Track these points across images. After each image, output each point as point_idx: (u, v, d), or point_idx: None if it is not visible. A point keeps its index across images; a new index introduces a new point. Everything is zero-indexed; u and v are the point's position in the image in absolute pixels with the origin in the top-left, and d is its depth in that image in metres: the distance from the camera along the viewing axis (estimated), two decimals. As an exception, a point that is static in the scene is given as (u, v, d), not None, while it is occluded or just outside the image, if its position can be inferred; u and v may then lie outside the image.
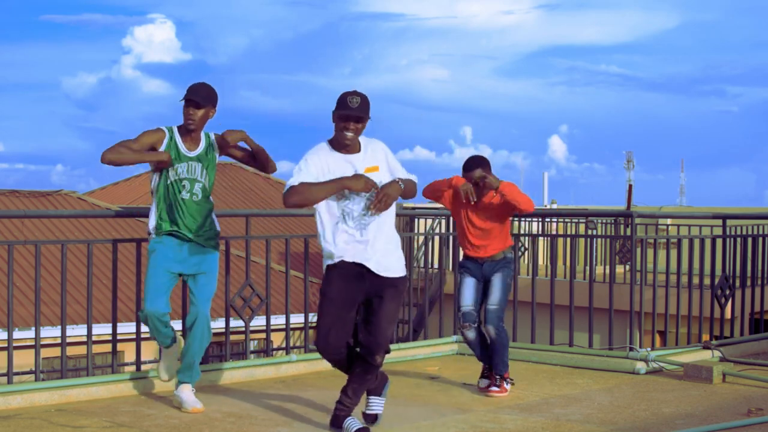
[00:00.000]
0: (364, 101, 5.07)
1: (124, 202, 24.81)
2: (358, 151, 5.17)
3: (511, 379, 6.62)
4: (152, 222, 5.91)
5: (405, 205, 18.34)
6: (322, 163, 5.11)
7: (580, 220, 18.06)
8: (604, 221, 18.42)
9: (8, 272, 6.37)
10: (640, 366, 7.20)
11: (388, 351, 5.21)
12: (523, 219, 18.05)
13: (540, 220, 17.45)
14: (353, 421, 5.19)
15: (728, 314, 9.48)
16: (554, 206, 27.42)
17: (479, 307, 6.56)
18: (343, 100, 5.05)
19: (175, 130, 5.94)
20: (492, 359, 6.48)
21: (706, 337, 9.19)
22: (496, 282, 6.50)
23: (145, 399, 6.17)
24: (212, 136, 6.05)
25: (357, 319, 5.23)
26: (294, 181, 5.06)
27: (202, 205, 5.95)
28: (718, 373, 6.81)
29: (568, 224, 19.23)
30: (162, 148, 5.84)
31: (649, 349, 7.60)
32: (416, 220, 15.35)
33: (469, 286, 6.55)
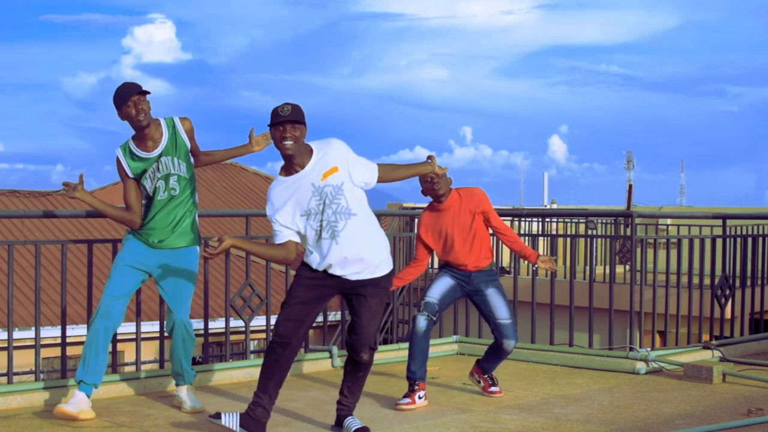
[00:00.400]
0: (296, 108, 4.97)
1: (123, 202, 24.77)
2: (308, 161, 5.00)
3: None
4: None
5: (405, 205, 18.35)
6: (283, 196, 5.00)
7: (580, 220, 18.05)
8: (604, 221, 18.41)
9: (8, 272, 6.37)
10: (640, 366, 7.20)
11: (374, 348, 5.16)
12: (523, 219, 18.07)
13: (540, 220, 17.46)
14: (353, 421, 5.19)
15: (728, 314, 9.49)
16: (554, 206, 27.42)
17: (444, 307, 6.31)
18: (274, 112, 4.95)
19: (130, 141, 5.72)
20: (491, 362, 6.43)
21: (706, 337, 9.20)
22: (496, 296, 6.29)
23: (145, 399, 6.17)
24: (176, 121, 5.79)
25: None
26: (278, 230, 5.00)
27: (184, 196, 5.76)
28: (718, 373, 6.81)
29: (568, 224, 19.22)
30: (127, 170, 5.67)
31: (649, 349, 7.60)
32: (416, 220, 15.35)
33: (444, 283, 6.29)
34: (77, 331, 10.23)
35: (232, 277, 7.39)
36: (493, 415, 5.72)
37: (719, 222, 11.60)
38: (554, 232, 18.29)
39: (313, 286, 5.07)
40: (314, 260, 5.06)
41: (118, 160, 5.74)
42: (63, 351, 6.65)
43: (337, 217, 4.98)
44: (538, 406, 6.04)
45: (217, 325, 9.80)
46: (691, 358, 7.46)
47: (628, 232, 12.79)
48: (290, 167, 5.02)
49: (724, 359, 7.44)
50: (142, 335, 6.99)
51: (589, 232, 15.24)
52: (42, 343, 6.80)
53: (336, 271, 5.04)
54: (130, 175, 5.71)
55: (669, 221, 19.07)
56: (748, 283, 9.94)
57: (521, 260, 9.04)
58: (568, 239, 10.05)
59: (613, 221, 18.26)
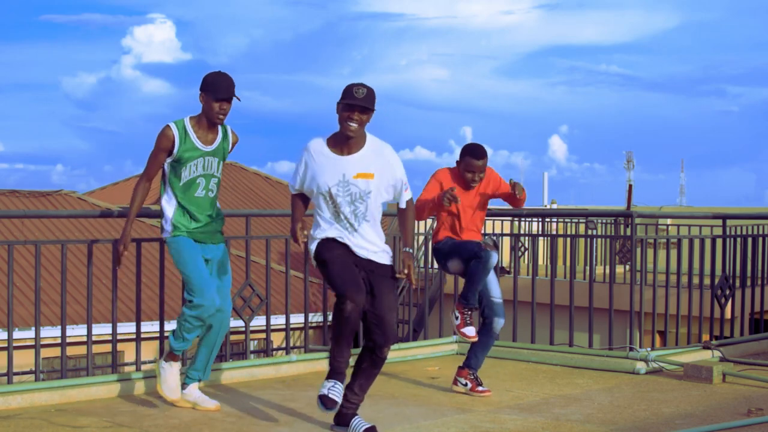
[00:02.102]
0: (370, 93, 5.04)
1: (124, 202, 24.78)
2: (358, 150, 5.12)
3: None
4: (168, 221, 5.77)
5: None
6: (318, 162, 5.13)
7: (580, 220, 18.06)
8: (604, 221, 18.42)
9: (8, 272, 6.37)
10: (640, 366, 7.20)
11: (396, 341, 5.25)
12: (523, 219, 18.07)
13: (540, 220, 17.47)
14: (360, 422, 5.18)
15: (728, 314, 9.48)
16: (554, 206, 27.41)
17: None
18: (348, 90, 5.02)
19: (187, 123, 5.72)
20: (480, 353, 6.47)
21: (706, 337, 9.19)
22: (492, 274, 6.42)
23: (145, 399, 6.17)
24: (229, 130, 5.89)
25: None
26: (292, 178, 5.29)
27: (215, 199, 5.88)
28: (718, 373, 6.81)
29: (568, 224, 19.24)
30: (175, 148, 5.66)
31: (649, 349, 7.60)
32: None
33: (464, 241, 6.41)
34: (77, 331, 10.22)
35: (233, 277, 7.38)
36: (493, 415, 5.73)
37: (719, 222, 11.60)
38: (554, 232, 18.31)
39: (346, 255, 5.10)
40: (333, 232, 5.14)
41: (167, 134, 5.67)
42: (63, 351, 6.65)
43: (356, 216, 5.12)
44: (538, 406, 6.04)
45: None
46: (691, 358, 7.46)
47: (628, 232, 12.79)
48: (339, 144, 5.12)
49: (724, 359, 7.44)
50: (142, 335, 6.99)
51: (589, 232, 15.25)
52: (42, 343, 6.81)
53: (355, 248, 5.12)
54: (174, 152, 5.68)
55: (669, 221, 19.08)
56: (748, 283, 9.94)
57: (521, 260, 9.03)
58: (568, 239, 10.05)
59: (613, 221, 18.27)
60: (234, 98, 5.68)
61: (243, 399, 6.19)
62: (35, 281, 6.54)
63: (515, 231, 16.75)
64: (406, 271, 5.18)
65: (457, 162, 6.40)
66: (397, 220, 5.46)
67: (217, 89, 5.63)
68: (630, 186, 22.99)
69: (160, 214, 5.83)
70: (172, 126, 5.70)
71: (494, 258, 6.27)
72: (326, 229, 5.16)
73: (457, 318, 6.37)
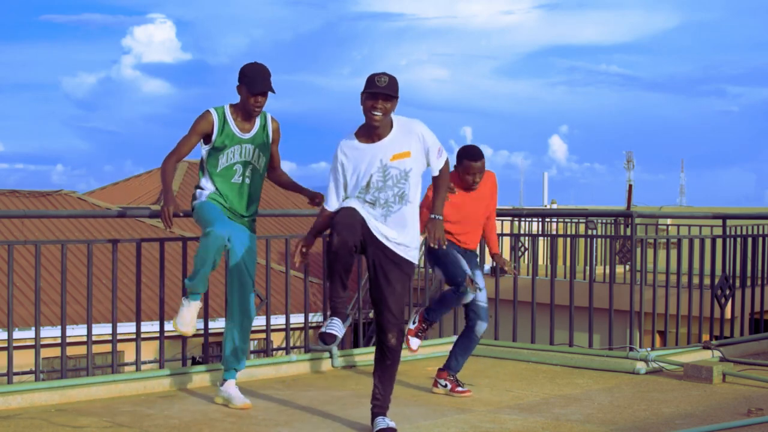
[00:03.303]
0: (392, 81, 5.09)
1: (124, 202, 24.81)
2: (388, 133, 5.15)
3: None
4: (203, 195, 5.86)
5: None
6: (351, 157, 5.14)
7: (580, 220, 18.07)
8: (604, 221, 18.42)
9: (8, 272, 6.37)
10: (640, 366, 7.20)
11: (403, 332, 5.26)
12: (523, 219, 18.07)
13: (540, 220, 17.47)
14: (381, 420, 5.20)
15: (728, 314, 9.48)
16: (554, 206, 27.42)
17: None
18: (371, 80, 5.07)
19: (227, 110, 5.82)
20: (460, 356, 6.50)
21: (706, 337, 9.19)
22: (481, 279, 6.48)
23: (145, 399, 6.17)
24: (268, 117, 5.96)
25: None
26: (330, 192, 5.20)
27: (254, 187, 5.93)
28: (718, 373, 6.81)
29: (568, 224, 19.24)
30: (214, 134, 5.74)
31: (649, 349, 7.60)
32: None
33: (461, 258, 6.40)
34: (77, 331, 10.23)
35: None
36: (493, 415, 5.73)
37: (719, 222, 11.60)
38: (554, 232, 18.31)
39: (354, 214, 5.07)
40: (358, 206, 5.11)
41: (207, 118, 5.75)
42: (63, 351, 6.65)
43: (396, 199, 5.13)
44: (538, 406, 6.04)
45: (217, 325, 9.80)
46: (691, 358, 7.46)
47: (628, 232, 12.79)
48: (368, 134, 5.15)
49: (724, 359, 7.44)
50: (142, 335, 6.99)
51: (589, 232, 15.26)
52: (42, 343, 6.81)
53: (372, 225, 5.09)
54: (213, 138, 5.75)
55: (669, 221, 19.08)
56: (748, 283, 9.93)
57: (521, 260, 9.03)
58: (568, 239, 10.05)
59: (613, 221, 18.27)
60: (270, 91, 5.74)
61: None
62: (35, 281, 6.54)
63: (515, 231, 16.74)
64: (436, 236, 5.24)
65: (455, 167, 6.40)
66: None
67: (253, 83, 5.72)
68: (630, 186, 23.00)
69: (193, 197, 5.94)
70: (213, 111, 5.78)
71: (470, 297, 6.34)
72: (354, 203, 5.13)
73: (414, 322, 6.45)
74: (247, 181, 5.89)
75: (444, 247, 5.35)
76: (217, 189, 5.86)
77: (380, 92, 5.04)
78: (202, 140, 5.87)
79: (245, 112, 5.81)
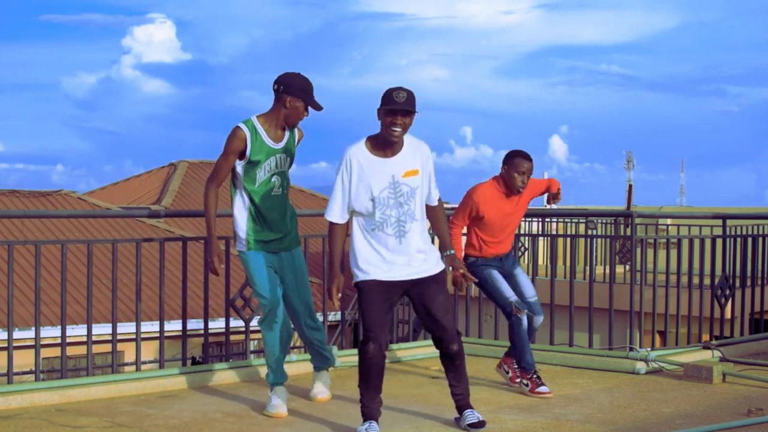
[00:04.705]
0: (410, 96, 5.02)
1: (124, 202, 24.81)
2: (400, 149, 5.10)
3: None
4: (241, 230, 5.74)
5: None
6: (363, 168, 5.08)
7: (580, 220, 18.06)
8: (604, 221, 18.41)
9: (8, 272, 6.37)
10: (640, 366, 7.20)
11: (459, 334, 5.31)
12: (523, 219, 18.04)
13: (540, 220, 17.46)
14: (471, 414, 5.29)
15: (728, 314, 9.48)
16: (554, 206, 27.38)
17: None
18: (388, 95, 5.00)
19: (256, 122, 5.67)
20: (527, 353, 6.45)
21: (706, 337, 9.19)
22: (524, 275, 6.56)
23: (145, 399, 6.17)
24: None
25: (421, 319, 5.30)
26: (335, 197, 5.13)
27: (287, 197, 5.88)
28: (718, 373, 6.80)
29: (568, 224, 19.23)
30: (248, 149, 5.60)
31: (649, 349, 7.59)
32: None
33: (503, 279, 6.47)
34: (77, 331, 10.21)
35: (232, 277, 7.39)
36: (493, 415, 5.72)
37: (719, 222, 11.60)
38: (554, 232, 18.30)
39: (382, 299, 5.10)
40: (375, 262, 5.10)
41: (239, 135, 5.61)
42: (63, 351, 6.65)
43: (407, 218, 5.10)
44: (538, 406, 6.04)
45: (217, 325, 9.80)
46: (691, 358, 7.45)
47: (628, 232, 12.80)
48: (382, 148, 5.09)
49: (724, 359, 7.44)
50: (142, 335, 6.99)
51: (589, 232, 15.25)
52: (42, 343, 6.81)
53: (399, 272, 5.10)
54: (247, 153, 5.63)
55: (669, 221, 19.07)
56: (748, 283, 9.93)
57: (521, 260, 9.02)
58: (568, 239, 10.05)
59: (613, 221, 18.27)
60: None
61: (243, 399, 6.19)
62: (35, 281, 6.54)
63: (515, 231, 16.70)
64: (461, 272, 5.34)
65: (503, 168, 6.34)
66: (429, 220, 5.42)
67: (310, 97, 5.65)
68: (630, 186, 22.99)
69: (233, 224, 5.79)
70: (243, 126, 5.64)
71: (525, 323, 6.36)
72: (369, 258, 5.10)
73: (527, 385, 6.40)
74: (285, 191, 5.82)
75: (475, 281, 5.39)
76: (253, 212, 5.70)
77: (400, 108, 4.97)
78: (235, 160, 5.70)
79: (279, 120, 5.67)
